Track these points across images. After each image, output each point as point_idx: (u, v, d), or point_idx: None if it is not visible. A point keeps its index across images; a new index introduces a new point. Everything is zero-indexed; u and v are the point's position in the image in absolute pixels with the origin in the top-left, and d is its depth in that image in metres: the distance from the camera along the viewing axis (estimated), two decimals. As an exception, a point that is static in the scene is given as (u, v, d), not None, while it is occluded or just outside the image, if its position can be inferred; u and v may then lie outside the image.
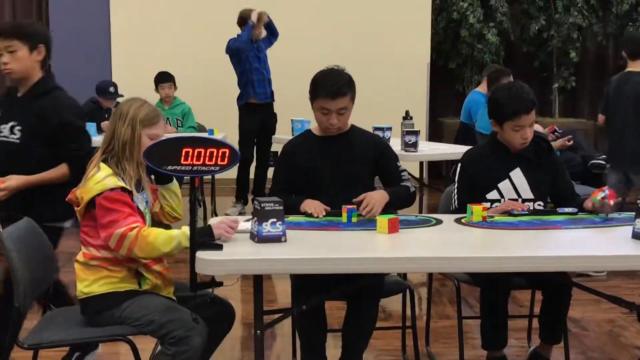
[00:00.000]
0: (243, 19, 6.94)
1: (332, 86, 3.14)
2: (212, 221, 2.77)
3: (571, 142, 6.05)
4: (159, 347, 2.81)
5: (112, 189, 2.71)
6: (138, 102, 2.91)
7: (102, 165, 2.80)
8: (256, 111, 7.08)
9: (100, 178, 2.74)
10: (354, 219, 2.98)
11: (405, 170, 3.33)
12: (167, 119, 7.17)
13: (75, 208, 2.80)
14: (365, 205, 3.03)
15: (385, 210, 3.07)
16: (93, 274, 2.78)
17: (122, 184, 2.75)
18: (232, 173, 7.03)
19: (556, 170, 3.39)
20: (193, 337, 2.69)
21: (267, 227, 2.60)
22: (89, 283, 2.78)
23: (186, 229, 2.63)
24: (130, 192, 2.76)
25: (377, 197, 3.09)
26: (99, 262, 2.78)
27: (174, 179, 3.00)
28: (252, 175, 7.19)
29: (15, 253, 2.67)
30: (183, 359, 2.69)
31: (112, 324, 2.76)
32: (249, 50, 6.91)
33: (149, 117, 2.87)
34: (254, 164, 7.19)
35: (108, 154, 2.84)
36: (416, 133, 5.39)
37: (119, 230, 2.66)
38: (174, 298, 2.89)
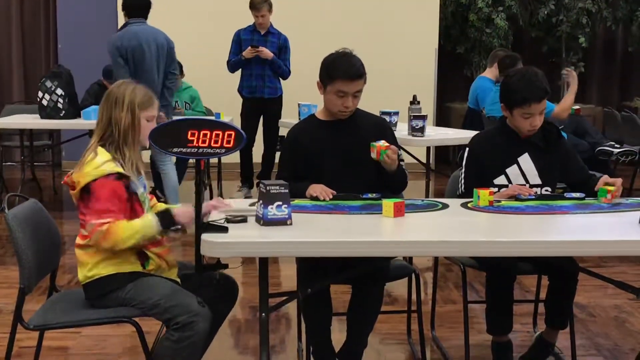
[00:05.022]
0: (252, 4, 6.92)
1: (351, 68, 3.13)
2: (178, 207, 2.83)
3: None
4: (164, 331, 2.81)
5: (108, 175, 2.72)
6: (130, 85, 2.90)
7: (100, 149, 2.80)
8: (248, 100, 7.08)
9: (99, 163, 2.74)
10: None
11: (403, 159, 3.31)
12: (176, 102, 7.18)
13: (71, 191, 2.80)
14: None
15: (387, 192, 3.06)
16: (93, 256, 2.77)
17: (120, 169, 2.76)
18: (238, 157, 7.06)
19: (566, 155, 3.37)
20: (197, 323, 2.69)
21: (273, 210, 2.59)
22: (91, 266, 2.78)
23: (150, 218, 2.72)
24: (127, 178, 2.78)
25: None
26: None
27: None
28: (259, 160, 7.19)
29: (21, 234, 2.68)
30: (187, 344, 2.69)
31: (117, 306, 2.77)
32: (249, 41, 6.92)
33: (144, 100, 2.88)
34: (260, 149, 7.18)
35: (105, 141, 2.83)
36: (423, 118, 5.38)
37: (93, 222, 2.70)
38: (178, 280, 2.89)
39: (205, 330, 2.73)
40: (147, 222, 2.72)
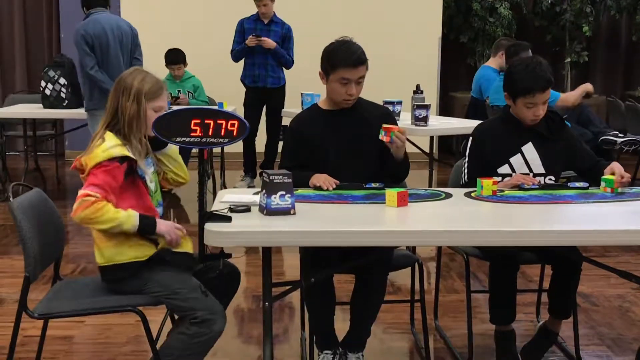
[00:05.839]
0: None
1: (352, 55, 3.12)
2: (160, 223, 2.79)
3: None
4: (169, 323, 2.81)
5: (112, 159, 2.71)
6: (141, 74, 2.89)
7: (109, 134, 2.80)
8: (251, 89, 7.07)
9: (108, 147, 2.74)
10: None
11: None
12: (179, 91, 7.18)
13: (81, 175, 2.80)
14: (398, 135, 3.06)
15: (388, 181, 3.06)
16: (110, 238, 2.76)
17: (128, 153, 2.76)
18: (241, 147, 7.06)
19: (571, 143, 3.35)
20: (216, 322, 2.69)
21: (276, 200, 2.59)
22: (111, 248, 2.76)
23: (133, 215, 2.68)
24: (134, 161, 2.77)
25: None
26: None
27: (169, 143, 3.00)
28: (262, 149, 7.19)
29: (26, 223, 2.69)
30: (201, 342, 2.69)
31: (136, 288, 2.76)
32: (252, 30, 6.90)
33: (153, 90, 2.85)
34: (263, 139, 7.18)
35: (112, 128, 2.83)
36: (427, 107, 5.36)
37: (83, 190, 2.67)
38: (192, 252, 2.87)
39: (220, 332, 2.73)
40: (129, 218, 2.68)
